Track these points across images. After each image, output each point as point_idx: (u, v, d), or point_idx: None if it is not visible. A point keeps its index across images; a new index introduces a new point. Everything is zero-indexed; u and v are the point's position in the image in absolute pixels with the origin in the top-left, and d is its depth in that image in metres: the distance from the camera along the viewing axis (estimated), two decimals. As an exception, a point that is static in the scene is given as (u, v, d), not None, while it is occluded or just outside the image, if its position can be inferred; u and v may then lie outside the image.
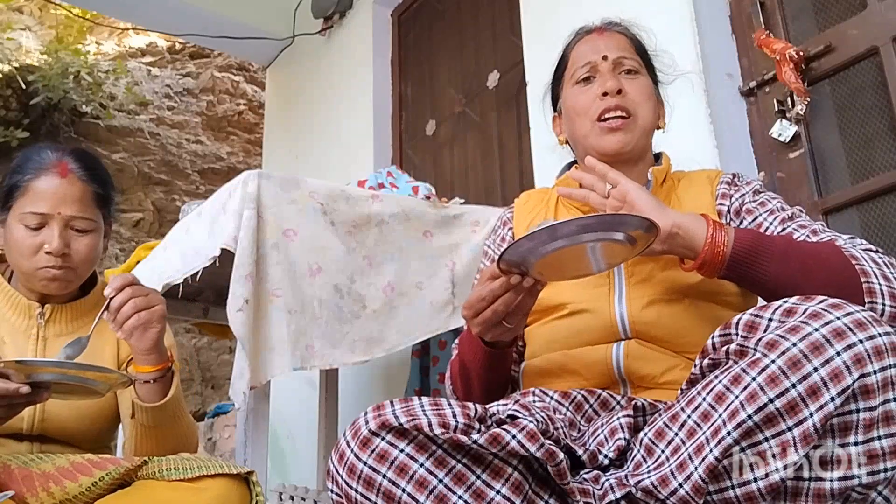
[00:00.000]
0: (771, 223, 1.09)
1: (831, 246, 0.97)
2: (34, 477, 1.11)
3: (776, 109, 1.78)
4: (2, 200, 1.28)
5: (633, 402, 0.95)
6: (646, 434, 0.85)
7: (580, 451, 0.88)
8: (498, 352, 1.08)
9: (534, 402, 0.98)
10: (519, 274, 0.93)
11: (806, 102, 1.70)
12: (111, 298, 1.15)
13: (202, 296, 2.36)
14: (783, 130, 1.76)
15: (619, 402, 1.03)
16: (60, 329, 1.32)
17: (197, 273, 1.72)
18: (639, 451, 0.84)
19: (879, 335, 0.73)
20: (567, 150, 1.32)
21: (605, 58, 1.19)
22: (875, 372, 0.72)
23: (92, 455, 1.20)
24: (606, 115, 1.16)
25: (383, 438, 0.79)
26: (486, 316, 0.97)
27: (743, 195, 1.15)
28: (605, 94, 1.16)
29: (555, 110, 1.30)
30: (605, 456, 0.88)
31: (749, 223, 1.11)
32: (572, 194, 1.12)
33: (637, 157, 1.20)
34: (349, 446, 0.80)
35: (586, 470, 0.86)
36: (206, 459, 1.14)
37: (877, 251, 0.98)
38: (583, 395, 1.03)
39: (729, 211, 1.15)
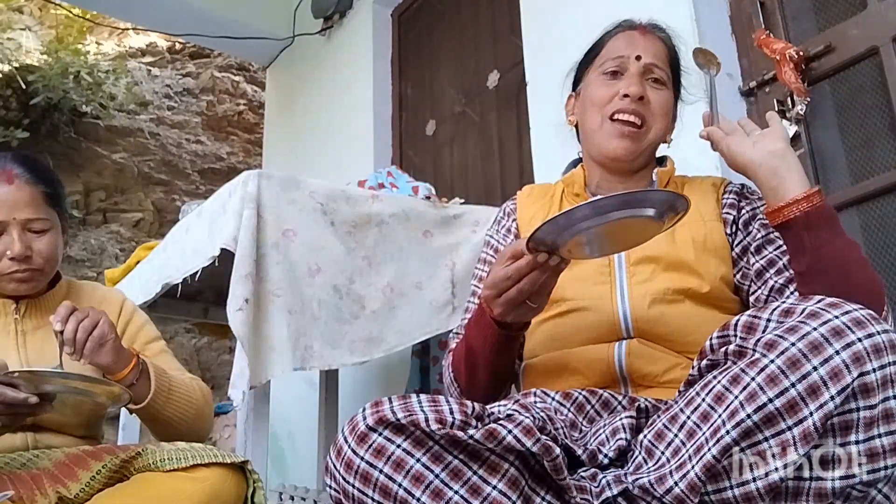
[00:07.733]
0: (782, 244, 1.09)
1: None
2: (35, 477, 1.11)
3: (776, 109, 1.77)
4: None
5: (635, 404, 0.95)
6: (645, 436, 0.85)
7: (579, 451, 0.87)
8: (510, 335, 1.07)
9: (535, 402, 0.98)
10: (546, 252, 0.92)
11: (806, 102, 1.70)
12: (63, 332, 1.15)
13: (202, 296, 2.36)
14: (783, 130, 1.76)
15: (621, 403, 1.03)
16: (37, 322, 1.34)
17: (197, 273, 1.72)
18: (640, 452, 0.84)
19: (878, 333, 0.73)
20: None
21: (638, 58, 1.18)
22: (874, 370, 0.72)
23: (87, 445, 1.22)
24: (619, 116, 1.16)
25: (380, 434, 0.79)
26: (510, 295, 0.96)
27: (754, 208, 1.15)
28: (626, 95, 1.15)
29: (574, 90, 1.30)
30: (606, 455, 0.88)
31: (761, 236, 1.11)
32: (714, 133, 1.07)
33: (637, 168, 1.21)
34: (346, 442, 0.80)
35: (584, 468, 0.86)
36: (202, 448, 1.15)
37: None
38: (584, 396, 1.03)
39: (736, 222, 1.15)
